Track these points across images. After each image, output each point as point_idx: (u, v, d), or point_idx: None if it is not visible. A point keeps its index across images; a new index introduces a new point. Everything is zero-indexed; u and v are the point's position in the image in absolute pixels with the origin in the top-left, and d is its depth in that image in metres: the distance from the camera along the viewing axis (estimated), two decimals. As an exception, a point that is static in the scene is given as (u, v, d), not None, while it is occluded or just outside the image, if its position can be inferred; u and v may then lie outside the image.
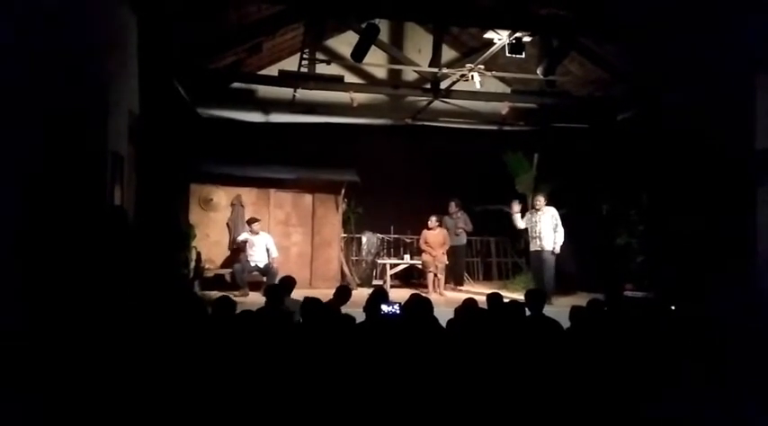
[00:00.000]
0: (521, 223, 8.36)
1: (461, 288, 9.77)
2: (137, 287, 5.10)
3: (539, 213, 8.19)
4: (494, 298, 4.77)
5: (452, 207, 9.86)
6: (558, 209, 8.14)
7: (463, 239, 9.93)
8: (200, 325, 3.83)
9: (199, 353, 3.35)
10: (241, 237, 8.76)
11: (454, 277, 9.84)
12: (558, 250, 8.00)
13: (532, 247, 8.28)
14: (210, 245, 9.07)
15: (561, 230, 8.04)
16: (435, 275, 9.11)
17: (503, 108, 8.90)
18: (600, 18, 7.30)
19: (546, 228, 8.06)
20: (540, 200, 8.27)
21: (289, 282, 5.65)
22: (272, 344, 3.55)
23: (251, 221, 8.71)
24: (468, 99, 8.98)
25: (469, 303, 4.70)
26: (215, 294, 7.88)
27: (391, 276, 9.66)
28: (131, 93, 5.65)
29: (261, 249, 8.58)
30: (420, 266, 9.51)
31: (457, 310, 4.69)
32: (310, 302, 4.22)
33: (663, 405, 3.32)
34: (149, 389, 3.08)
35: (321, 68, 8.21)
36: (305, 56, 8.03)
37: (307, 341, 3.67)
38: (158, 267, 5.86)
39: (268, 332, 3.75)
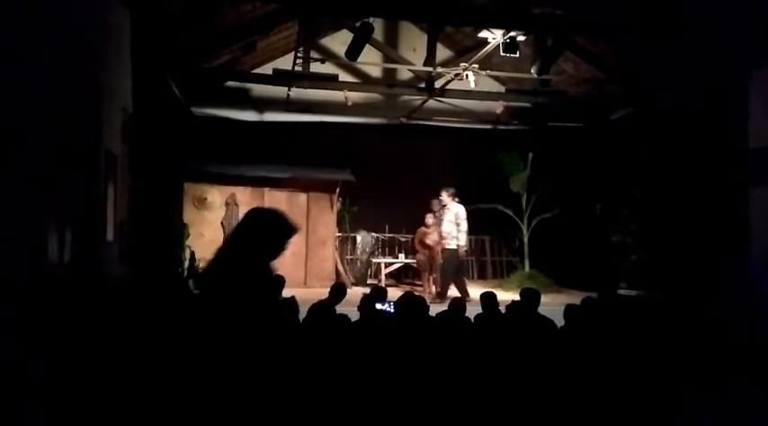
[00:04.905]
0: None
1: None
2: (134, 285, 5.09)
3: (443, 210, 8.26)
4: (487, 297, 4.78)
5: (436, 205, 9.83)
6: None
7: None
8: (195, 322, 3.81)
9: (197, 351, 3.34)
10: (236, 236, 8.73)
11: None
12: (462, 248, 8.07)
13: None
14: (205, 245, 9.02)
15: (465, 229, 8.06)
16: (430, 274, 9.10)
17: (497, 107, 8.92)
18: (594, 17, 7.31)
19: (447, 226, 8.12)
20: (443, 196, 8.30)
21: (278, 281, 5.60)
22: (271, 341, 3.54)
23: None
24: (462, 98, 9.01)
25: (459, 301, 4.70)
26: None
27: (386, 275, 9.65)
28: (125, 92, 5.62)
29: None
30: (415, 265, 9.50)
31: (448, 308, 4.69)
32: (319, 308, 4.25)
33: (659, 404, 3.33)
34: (151, 389, 3.07)
35: (315, 67, 8.21)
36: (299, 54, 8.02)
37: (303, 340, 3.67)
38: (154, 266, 5.83)
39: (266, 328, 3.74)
